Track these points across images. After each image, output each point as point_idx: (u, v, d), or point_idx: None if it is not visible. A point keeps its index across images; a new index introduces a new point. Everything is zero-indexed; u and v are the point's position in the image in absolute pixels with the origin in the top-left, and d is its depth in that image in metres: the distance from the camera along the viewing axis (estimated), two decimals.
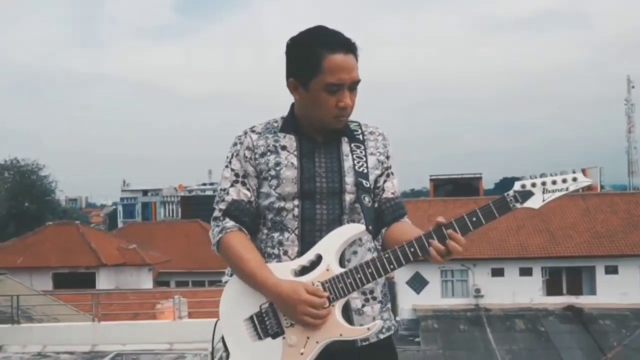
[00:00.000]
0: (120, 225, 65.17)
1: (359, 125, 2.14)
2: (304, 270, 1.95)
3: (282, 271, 1.96)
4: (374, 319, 2.02)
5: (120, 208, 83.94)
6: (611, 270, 27.83)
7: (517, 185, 1.91)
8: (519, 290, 27.56)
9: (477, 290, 28.01)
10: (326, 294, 1.91)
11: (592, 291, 27.99)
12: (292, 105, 2.12)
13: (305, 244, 1.98)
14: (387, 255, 1.92)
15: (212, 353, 1.77)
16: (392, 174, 2.15)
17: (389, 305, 2.13)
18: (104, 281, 27.67)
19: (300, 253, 1.99)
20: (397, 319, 28.22)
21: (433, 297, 28.12)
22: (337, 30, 2.00)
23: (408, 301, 28.19)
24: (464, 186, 39.70)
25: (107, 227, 64.79)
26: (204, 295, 16.34)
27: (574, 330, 25.74)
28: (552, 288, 28.34)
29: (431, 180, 41.66)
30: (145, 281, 29.37)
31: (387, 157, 2.14)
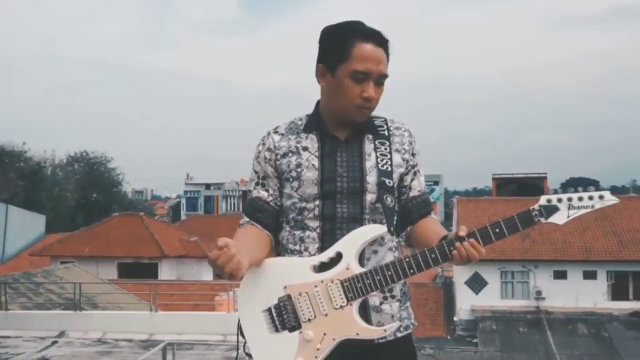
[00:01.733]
0: (183, 217, 66.66)
1: (385, 121, 2.13)
2: (323, 267, 1.97)
3: (300, 266, 1.99)
4: (392, 317, 2.03)
5: (183, 201, 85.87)
6: None
7: (543, 200, 1.90)
8: (583, 294, 26.82)
9: (538, 293, 27.40)
10: (225, 244, 1.81)
11: None
12: (317, 103, 2.13)
13: (326, 242, 2.00)
14: (407, 260, 1.92)
15: (237, 344, 1.82)
16: (419, 171, 2.15)
17: (408, 304, 2.13)
18: (166, 272, 28.36)
19: (321, 250, 2.01)
20: (455, 318, 27.99)
21: (492, 298, 27.68)
22: (374, 28, 2.02)
23: (466, 301, 27.86)
24: (528, 186, 38.80)
25: (171, 220, 66.44)
26: None
27: None
28: (617, 293, 27.44)
29: (494, 179, 40.94)
30: (205, 273, 29.94)
31: (413, 155, 2.12)
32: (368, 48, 1.95)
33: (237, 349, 2.07)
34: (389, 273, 1.91)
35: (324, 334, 1.92)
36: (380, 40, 1.98)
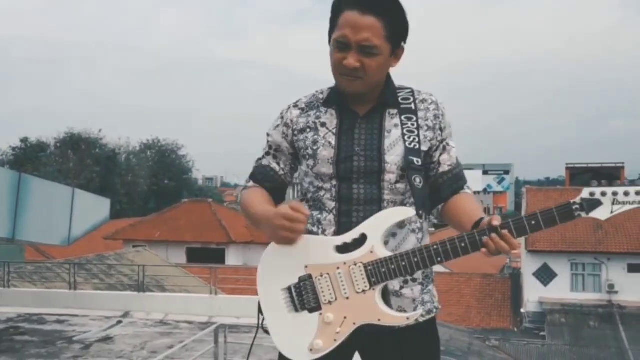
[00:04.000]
0: None
1: (412, 92, 2.02)
2: (346, 248, 1.91)
3: (323, 246, 1.93)
4: (413, 301, 1.97)
5: None
6: None
7: (585, 193, 1.78)
8: None
9: (611, 286, 26.44)
10: (308, 212, 1.88)
11: None
12: None
13: (342, 225, 1.94)
14: (435, 247, 1.83)
15: (258, 324, 1.81)
16: (449, 144, 2.02)
17: (430, 287, 2.04)
18: (233, 257, 28.91)
19: (337, 233, 1.95)
20: (522, 310, 27.36)
21: (562, 291, 26.91)
22: None
23: (534, 293, 27.20)
24: (604, 176, 37.37)
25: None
26: None
27: None
28: None
29: (567, 168, 39.76)
30: None
31: (441, 130, 1.99)
32: (349, 15, 1.87)
33: (258, 326, 2.02)
34: (415, 260, 1.84)
35: (345, 318, 1.88)
36: (369, 7, 1.85)
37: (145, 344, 9.89)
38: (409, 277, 1.97)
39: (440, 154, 2.01)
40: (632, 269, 26.55)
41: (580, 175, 38.51)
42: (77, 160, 45.28)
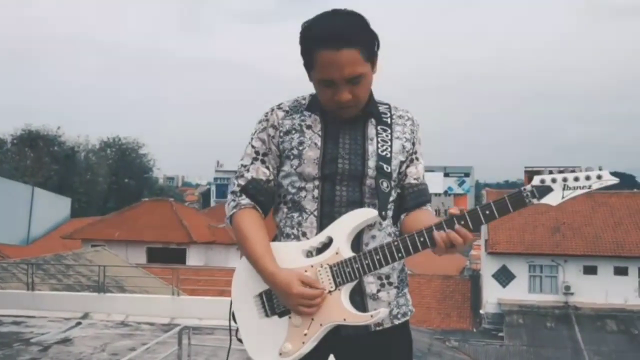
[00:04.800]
0: (213, 204, 67.21)
1: (389, 107, 2.08)
2: (316, 252, 1.94)
3: (293, 251, 1.95)
4: (389, 304, 2.00)
5: (213, 188, 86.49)
6: None
7: (536, 180, 1.81)
8: (613, 290, 26.42)
9: (567, 288, 27.04)
10: (323, 286, 1.89)
11: None
12: None
13: (324, 226, 1.95)
14: (396, 243, 1.87)
15: (229, 328, 1.80)
16: (418, 159, 2.09)
17: (405, 290, 2.09)
18: (194, 257, 28.67)
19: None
20: (481, 311, 27.77)
21: (520, 292, 27.42)
22: (336, 19, 1.89)
23: (493, 294, 27.64)
24: None
25: (201, 206, 66.99)
26: None
27: None
28: None
29: (526, 172, 40.21)
30: (233, 260, 30.19)
31: (414, 143, 2.08)
32: (326, 56, 1.85)
33: (230, 335, 2.05)
34: (377, 257, 1.87)
35: (312, 320, 1.90)
36: (341, 43, 1.85)
37: (105, 346, 9.75)
38: (385, 281, 2.00)
39: (408, 166, 2.07)
40: (588, 270, 27.19)
41: None
42: (35, 157, 44.35)
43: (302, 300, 1.88)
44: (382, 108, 2.07)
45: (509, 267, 27.59)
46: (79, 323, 11.36)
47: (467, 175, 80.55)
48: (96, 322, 11.47)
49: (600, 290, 26.42)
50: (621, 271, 26.93)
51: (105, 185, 48.99)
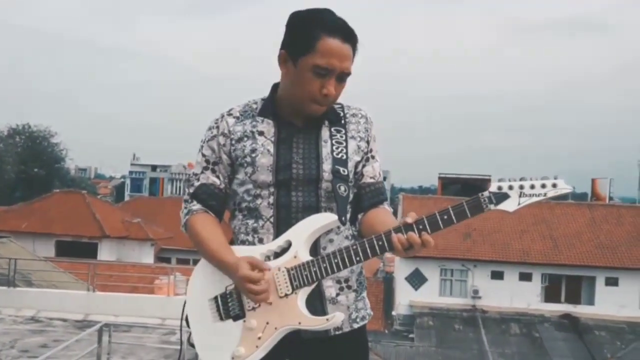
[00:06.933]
0: (127, 198, 65.43)
1: (342, 107, 2.07)
2: (275, 256, 1.94)
3: (252, 255, 1.93)
4: (348, 308, 2.01)
5: (128, 181, 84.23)
6: (611, 282, 27.75)
7: (493, 186, 1.85)
8: (517, 295, 27.53)
9: (475, 292, 28.00)
10: (267, 267, 1.89)
11: (591, 301, 27.93)
12: (273, 87, 2.07)
13: (280, 232, 1.95)
14: (354, 247, 1.88)
15: (180, 331, 1.79)
16: (374, 157, 2.09)
17: (364, 294, 2.10)
18: (106, 252, 27.82)
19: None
20: (393, 313, 28.35)
21: (431, 295, 28.13)
22: (343, 18, 1.93)
23: (405, 297, 28.24)
24: (473, 187, 39.53)
25: (114, 200, 65.10)
26: None
27: (568, 339, 25.74)
28: (550, 295, 28.30)
29: (440, 178, 41.57)
30: (146, 256, 29.52)
31: (368, 142, 2.07)
32: (334, 43, 1.87)
33: (181, 343, 2.05)
34: (335, 261, 1.88)
35: (267, 323, 1.90)
36: (348, 36, 1.90)
37: (15, 342, 9.33)
38: (344, 284, 2.01)
39: (364, 166, 2.07)
40: (495, 275, 28.25)
41: (451, 185, 40.48)
42: None
43: (246, 284, 1.85)
44: (335, 108, 2.06)
45: (421, 270, 28.28)
46: None
47: (383, 179, 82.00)
48: (4, 317, 10.96)
49: (505, 295, 27.50)
50: (526, 277, 28.14)
51: (13, 174, 46.73)
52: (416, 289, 28.40)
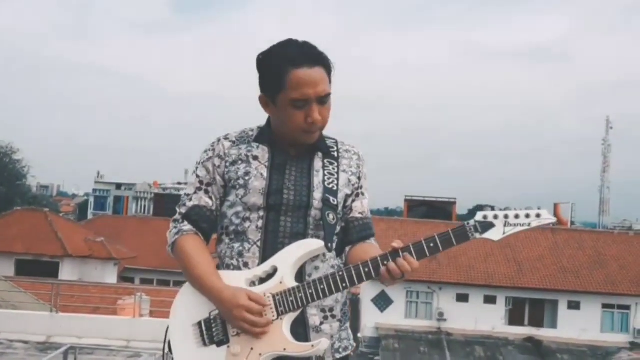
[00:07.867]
0: (90, 217, 64.42)
1: (336, 142, 2.13)
2: (260, 281, 1.93)
3: (237, 280, 1.94)
4: (331, 337, 2.00)
5: (92, 199, 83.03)
6: (574, 305, 28.19)
7: (479, 216, 1.89)
8: (482, 318, 27.77)
9: (441, 314, 28.15)
10: (269, 303, 1.89)
11: (554, 324, 28.31)
12: (269, 118, 2.09)
13: (267, 257, 1.95)
14: (340, 274, 1.89)
15: (163, 356, 1.76)
16: (363, 194, 2.12)
17: (347, 324, 2.10)
18: (68, 272, 27.26)
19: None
20: (359, 335, 28.28)
21: (397, 317, 28.20)
22: (305, 43, 1.96)
23: (371, 319, 28.24)
24: (438, 209, 40.04)
25: (77, 218, 64.01)
26: (168, 295, 16.08)
27: None
28: (514, 318, 28.61)
29: (406, 200, 41.90)
30: (109, 275, 28.99)
31: (359, 178, 2.11)
32: (302, 73, 1.90)
33: None
34: (322, 287, 1.88)
35: (251, 349, 1.88)
36: (315, 60, 1.93)
37: None
38: (329, 313, 2.01)
39: (353, 201, 2.10)
40: (460, 298, 28.47)
41: (417, 207, 40.81)
42: None
43: (244, 314, 1.85)
44: (329, 142, 2.11)
45: (387, 292, 28.33)
46: None
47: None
48: None
49: (470, 318, 27.72)
50: (490, 300, 28.43)
51: None
52: (382, 311, 28.43)
